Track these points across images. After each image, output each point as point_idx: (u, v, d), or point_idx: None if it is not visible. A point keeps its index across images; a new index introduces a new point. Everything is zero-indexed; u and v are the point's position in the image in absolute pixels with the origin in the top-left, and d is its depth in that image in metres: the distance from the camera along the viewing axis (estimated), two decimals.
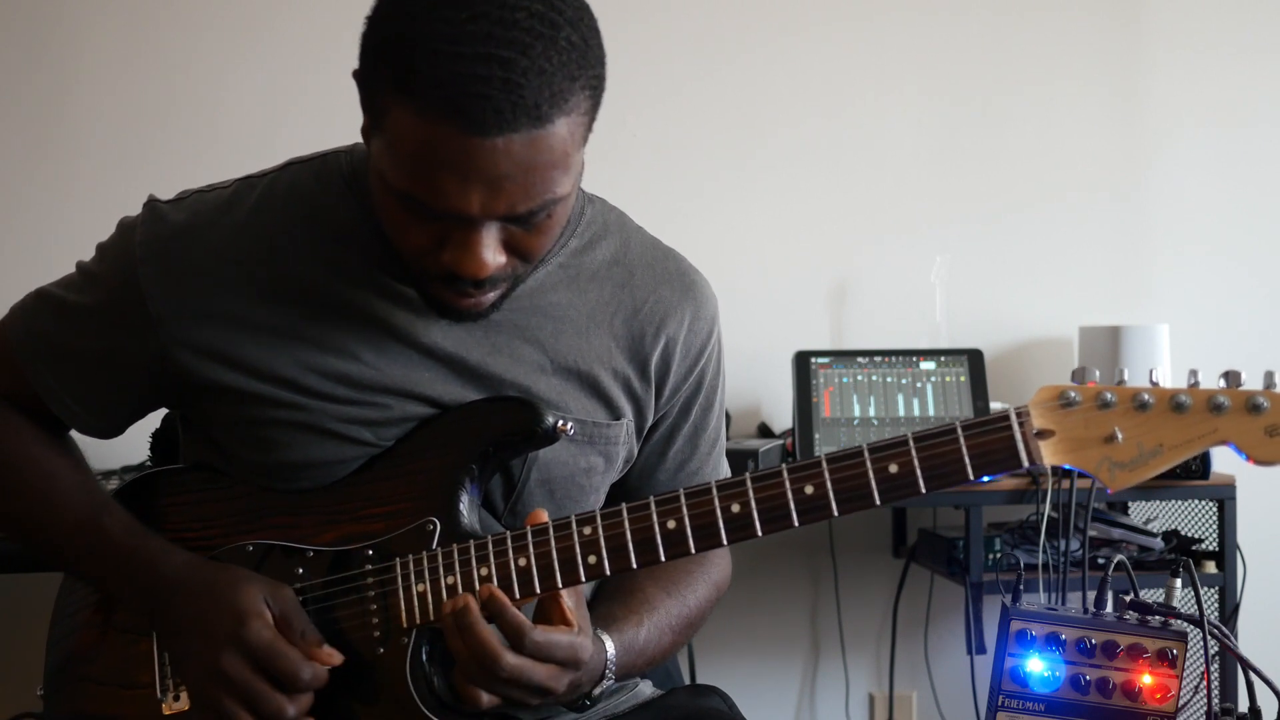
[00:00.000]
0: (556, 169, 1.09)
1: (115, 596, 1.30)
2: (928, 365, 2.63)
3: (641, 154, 2.85)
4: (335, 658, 1.20)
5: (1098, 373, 1.13)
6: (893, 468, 1.14)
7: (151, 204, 1.29)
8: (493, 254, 1.12)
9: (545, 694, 1.16)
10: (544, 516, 1.20)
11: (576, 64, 1.07)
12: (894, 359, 2.64)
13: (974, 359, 2.63)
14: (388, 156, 1.10)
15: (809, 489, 1.15)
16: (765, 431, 2.86)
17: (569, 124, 1.08)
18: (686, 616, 1.36)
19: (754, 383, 2.88)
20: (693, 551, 1.17)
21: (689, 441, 1.43)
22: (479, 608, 1.15)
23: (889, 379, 2.62)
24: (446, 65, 1.03)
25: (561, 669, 1.16)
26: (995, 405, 2.66)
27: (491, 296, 1.20)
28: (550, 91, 1.05)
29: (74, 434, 1.39)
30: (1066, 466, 1.12)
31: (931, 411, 2.59)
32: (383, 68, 1.08)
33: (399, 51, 1.06)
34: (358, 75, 1.13)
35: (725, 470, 1.49)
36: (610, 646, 1.23)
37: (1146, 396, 1.10)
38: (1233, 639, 1.50)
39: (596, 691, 1.22)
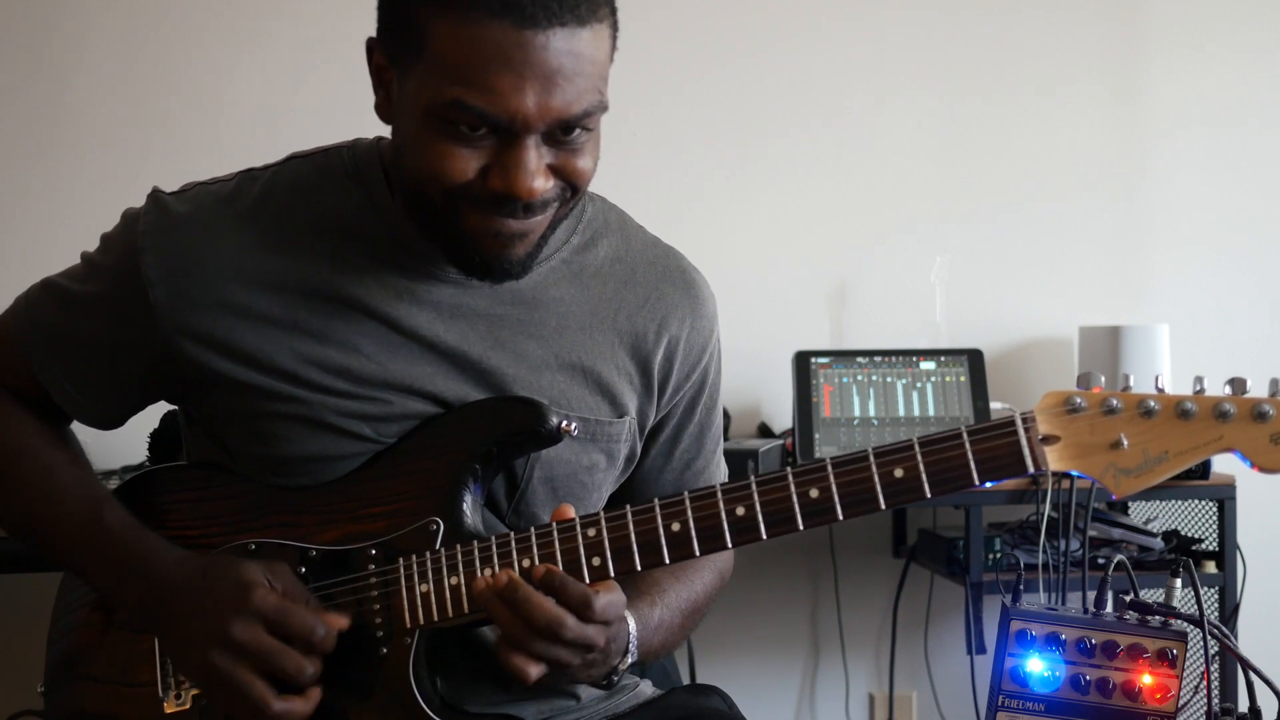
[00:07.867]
0: (597, 75, 1.14)
1: (110, 593, 1.30)
2: (928, 365, 2.63)
3: (642, 153, 2.85)
4: (342, 620, 1.20)
5: (1103, 378, 1.12)
6: (898, 472, 1.14)
7: (155, 195, 1.30)
8: (541, 174, 1.15)
9: (591, 652, 1.16)
10: (570, 512, 1.20)
11: None
12: (894, 359, 2.64)
13: (974, 359, 2.63)
14: (432, 77, 1.12)
15: (814, 492, 1.15)
16: (765, 431, 2.86)
17: (599, 35, 1.13)
18: (694, 601, 1.36)
19: (754, 383, 2.88)
20: (697, 554, 1.18)
21: (695, 441, 1.43)
22: (526, 583, 1.15)
23: (889, 379, 2.62)
24: None
25: (608, 626, 1.17)
26: (995, 405, 2.66)
27: (536, 230, 1.19)
28: None
29: (76, 429, 1.39)
30: (1072, 473, 1.11)
31: (932, 411, 2.59)
32: None
33: None
34: (375, 39, 1.18)
35: (724, 469, 1.49)
36: (631, 623, 1.24)
37: (1152, 403, 1.10)
38: (1233, 639, 1.50)
39: (623, 667, 1.23)
